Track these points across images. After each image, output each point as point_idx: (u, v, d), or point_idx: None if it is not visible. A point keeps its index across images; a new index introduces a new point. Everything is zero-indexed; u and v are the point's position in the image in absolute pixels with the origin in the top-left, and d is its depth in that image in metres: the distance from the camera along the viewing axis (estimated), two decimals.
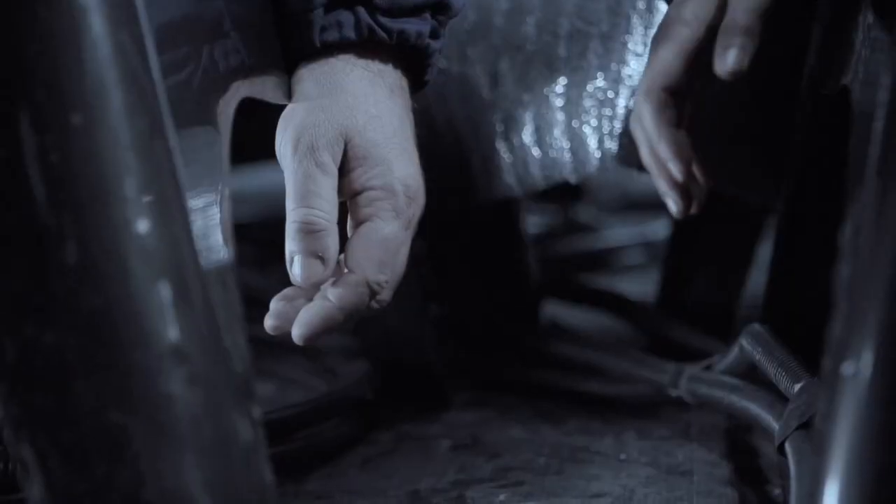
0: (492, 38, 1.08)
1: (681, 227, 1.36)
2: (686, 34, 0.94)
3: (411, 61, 0.87)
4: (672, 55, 0.94)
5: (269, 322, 0.81)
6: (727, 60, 0.91)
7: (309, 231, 0.80)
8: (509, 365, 1.23)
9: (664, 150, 0.94)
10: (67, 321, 0.58)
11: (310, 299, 0.81)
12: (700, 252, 1.33)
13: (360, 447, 1.06)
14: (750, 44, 0.92)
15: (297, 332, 0.80)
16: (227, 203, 0.75)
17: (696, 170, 0.97)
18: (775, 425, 0.86)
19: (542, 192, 1.15)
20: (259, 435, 0.63)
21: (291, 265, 0.81)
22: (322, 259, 0.80)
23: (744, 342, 0.96)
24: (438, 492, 0.95)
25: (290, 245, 0.80)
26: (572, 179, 1.08)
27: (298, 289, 0.82)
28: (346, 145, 0.82)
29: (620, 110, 1.06)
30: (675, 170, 0.94)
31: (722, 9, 0.94)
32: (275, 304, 0.81)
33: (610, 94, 1.06)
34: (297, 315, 0.80)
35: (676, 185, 0.96)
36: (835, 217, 0.70)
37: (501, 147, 1.10)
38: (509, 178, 1.10)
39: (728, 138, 1.09)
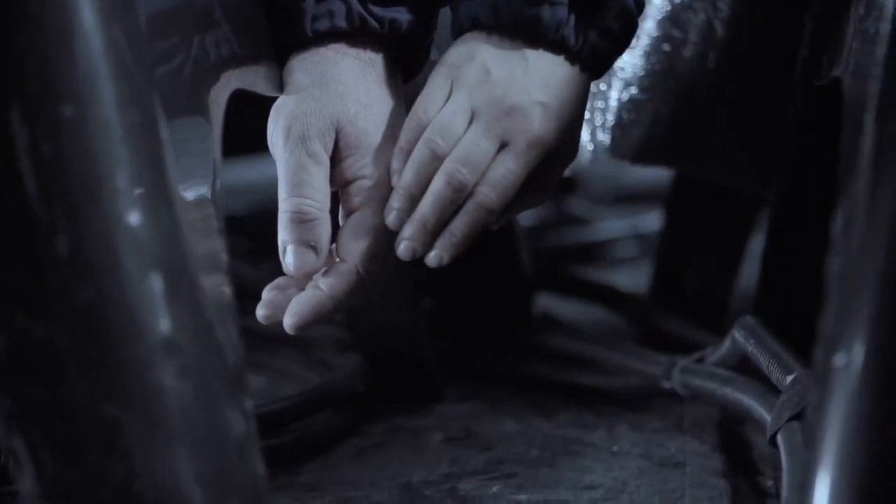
0: None
1: (673, 219, 1.36)
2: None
3: (403, 51, 0.86)
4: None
5: (260, 311, 0.81)
6: (429, 258, 0.81)
7: (301, 220, 0.80)
8: (502, 357, 1.23)
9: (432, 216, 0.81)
10: (59, 314, 0.58)
11: (302, 289, 0.81)
12: (692, 244, 1.33)
13: (353, 439, 1.06)
14: (462, 243, 0.81)
15: (288, 321, 0.80)
16: (219, 195, 0.74)
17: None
18: (767, 417, 0.86)
19: None
20: (251, 427, 0.63)
21: (284, 254, 0.81)
22: (314, 248, 0.80)
23: (736, 334, 0.96)
24: (431, 484, 0.95)
25: (283, 234, 0.81)
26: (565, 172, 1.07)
27: (291, 278, 0.82)
28: (337, 134, 0.82)
29: (612, 102, 1.06)
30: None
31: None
32: (267, 293, 0.81)
33: (602, 87, 1.06)
34: (288, 304, 0.80)
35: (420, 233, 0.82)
36: (827, 208, 0.70)
37: None
38: None
39: (721, 128, 1.09)
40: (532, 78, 0.82)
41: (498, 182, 0.81)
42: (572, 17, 0.82)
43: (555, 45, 0.82)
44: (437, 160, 0.81)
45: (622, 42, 0.84)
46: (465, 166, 0.80)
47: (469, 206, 0.80)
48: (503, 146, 0.81)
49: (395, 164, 0.82)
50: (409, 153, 0.82)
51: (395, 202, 0.81)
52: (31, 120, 0.58)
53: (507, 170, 0.81)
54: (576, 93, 0.84)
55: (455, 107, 0.82)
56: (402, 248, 0.80)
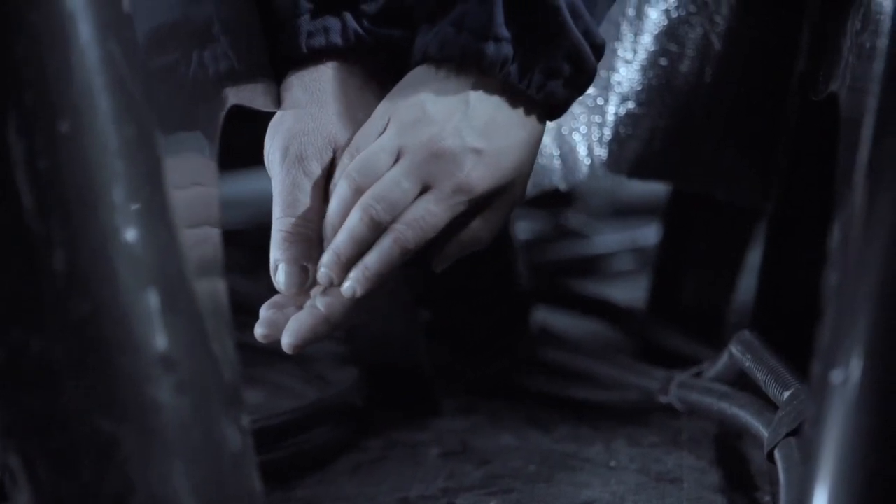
0: None
1: (670, 233, 1.36)
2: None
3: (400, 67, 0.86)
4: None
5: (258, 331, 0.81)
6: (343, 288, 0.80)
7: (294, 240, 0.80)
8: (499, 371, 1.23)
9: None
10: (55, 328, 0.58)
11: (300, 306, 0.81)
12: (690, 258, 1.33)
13: (350, 454, 1.06)
14: (376, 280, 0.79)
15: (286, 342, 0.79)
16: (216, 209, 0.74)
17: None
18: (765, 432, 0.86)
19: (532, 199, 1.15)
20: (247, 442, 0.62)
21: (275, 273, 0.80)
22: (306, 268, 0.80)
23: (733, 349, 0.96)
24: (428, 499, 0.95)
25: (275, 253, 0.80)
26: (562, 186, 1.07)
27: (288, 296, 0.81)
28: (334, 153, 0.82)
29: (610, 117, 1.06)
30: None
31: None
32: (264, 312, 0.81)
33: (599, 101, 1.06)
34: (286, 323, 0.80)
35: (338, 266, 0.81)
36: (824, 222, 0.70)
37: None
38: None
39: (718, 141, 1.09)
40: (471, 122, 0.81)
41: (415, 221, 0.80)
42: (518, 57, 0.81)
43: (499, 83, 0.81)
44: (356, 194, 0.80)
45: (575, 84, 0.82)
46: (380, 203, 0.79)
47: (384, 243, 0.79)
48: (428, 188, 0.81)
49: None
50: None
51: (325, 232, 0.81)
52: (28, 133, 0.58)
53: (427, 211, 0.80)
54: (522, 138, 0.82)
55: (382, 144, 0.81)
56: (319, 275, 0.80)
